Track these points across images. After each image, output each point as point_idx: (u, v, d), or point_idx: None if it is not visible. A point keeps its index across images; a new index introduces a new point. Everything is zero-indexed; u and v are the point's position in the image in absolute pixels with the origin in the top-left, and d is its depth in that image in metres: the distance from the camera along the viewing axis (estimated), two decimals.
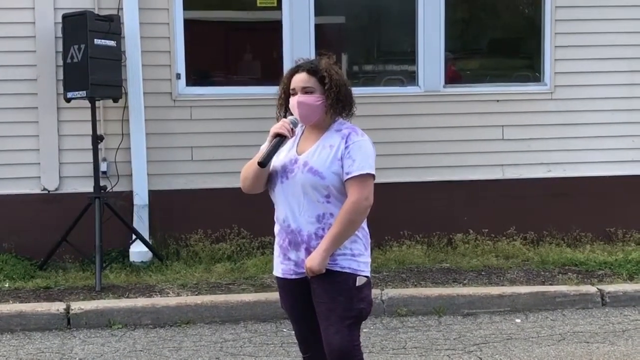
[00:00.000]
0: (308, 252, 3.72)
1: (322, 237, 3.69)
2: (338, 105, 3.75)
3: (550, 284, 6.83)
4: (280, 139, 3.72)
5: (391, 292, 6.50)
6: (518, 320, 6.28)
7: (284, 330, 5.98)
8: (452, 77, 8.28)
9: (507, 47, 8.79)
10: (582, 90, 8.18)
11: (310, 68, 3.75)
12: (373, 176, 3.72)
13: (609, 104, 8.22)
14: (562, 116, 8.17)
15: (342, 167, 3.69)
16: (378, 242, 7.57)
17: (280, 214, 3.80)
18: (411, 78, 8.19)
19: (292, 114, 3.79)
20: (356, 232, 3.74)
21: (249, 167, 3.78)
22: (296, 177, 3.72)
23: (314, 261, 3.66)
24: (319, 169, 3.69)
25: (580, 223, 8.08)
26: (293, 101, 3.75)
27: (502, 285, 6.79)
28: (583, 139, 8.19)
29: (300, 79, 3.75)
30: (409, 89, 8.12)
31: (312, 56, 6.92)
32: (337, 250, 3.70)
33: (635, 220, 8.15)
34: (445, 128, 8.03)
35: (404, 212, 7.79)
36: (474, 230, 7.93)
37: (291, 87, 3.77)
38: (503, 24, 8.89)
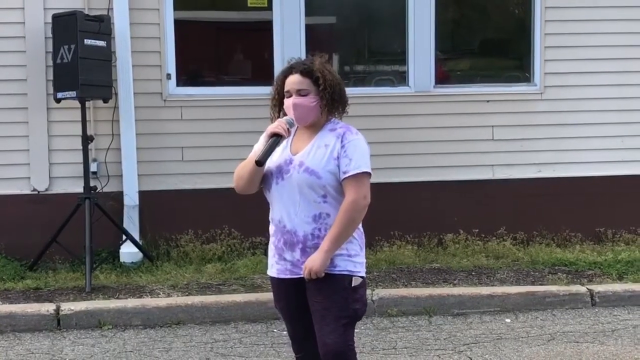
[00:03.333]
0: (304, 251, 3.72)
1: (318, 236, 3.70)
2: (333, 105, 3.77)
3: (540, 284, 6.85)
4: (277, 138, 3.72)
5: (382, 292, 6.51)
6: (508, 320, 6.30)
7: (275, 330, 5.98)
8: (443, 78, 8.30)
9: (497, 48, 8.81)
10: (572, 90, 8.21)
11: (304, 69, 3.76)
12: (369, 174, 3.74)
13: (599, 105, 8.24)
14: (552, 116, 8.20)
15: (339, 166, 3.70)
16: (369, 242, 7.42)
17: (275, 214, 3.80)
18: (402, 78, 8.20)
19: (286, 114, 3.80)
20: None
21: (244, 167, 3.78)
22: (292, 178, 3.72)
23: (315, 262, 3.66)
24: (315, 168, 3.69)
25: (570, 223, 8.10)
26: (288, 103, 3.76)
27: (492, 286, 6.80)
28: (573, 139, 8.22)
29: (294, 81, 3.75)
30: (400, 89, 8.14)
31: (303, 56, 6.92)
32: (337, 249, 3.70)
33: (624, 221, 8.18)
34: (436, 128, 8.04)
35: (394, 213, 7.79)
36: (464, 231, 7.94)
37: (285, 88, 3.78)
38: (493, 25, 8.90)
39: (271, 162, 3.76)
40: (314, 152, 3.73)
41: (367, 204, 3.72)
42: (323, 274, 3.68)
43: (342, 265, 3.73)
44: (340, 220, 3.67)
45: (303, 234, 3.72)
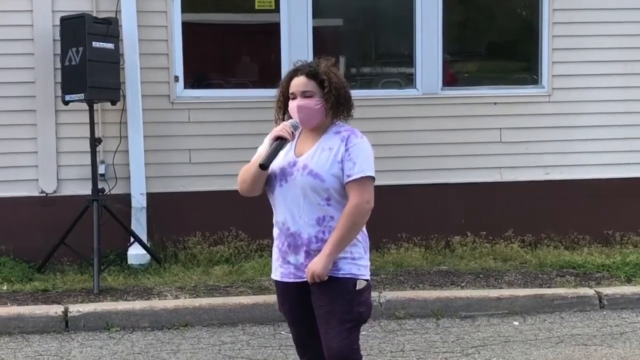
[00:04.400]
0: (308, 254, 3.72)
1: (322, 239, 3.69)
2: (338, 108, 3.76)
3: (548, 287, 6.83)
4: (281, 142, 3.71)
5: (389, 294, 6.50)
6: (516, 323, 6.28)
7: (282, 332, 5.98)
8: (450, 80, 8.29)
9: (504, 50, 8.80)
10: (579, 92, 8.20)
11: (310, 71, 3.75)
12: (373, 178, 3.73)
13: (607, 107, 8.23)
14: (560, 119, 8.18)
15: (343, 169, 3.69)
16: (376, 244, 7.56)
17: (279, 217, 3.79)
18: (409, 80, 8.20)
19: (291, 117, 3.79)
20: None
21: (248, 170, 3.78)
22: (296, 180, 3.71)
23: (317, 265, 3.65)
24: (319, 171, 3.69)
25: (578, 226, 8.08)
26: (293, 105, 3.75)
27: (500, 288, 6.79)
28: (580, 141, 8.20)
29: (299, 83, 3.75)
30: (407, 92, 8.13)
31: (310, 58, 6.92)
32: (339, 253, 3.70)
33: (632, 223, 8.16)
34: (443, 131, 8.03)
35: (401, 215, 7.80)
36: (471, 233, 7.93)
37: (290, 90, 3.77)
38: (500, 27, 8.90)
39: (275, 165, 3.74)
40: (318, 155, 3.72)
41: (370, 208, 3.70)
42: (326, 277, 3.67)
43: (347, 269, 3.72)
44: (343, 224, 3.66)
45: (307, 237, 3.72)
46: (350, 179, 3.68)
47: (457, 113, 8.06)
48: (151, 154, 7.64)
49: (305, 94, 3.73)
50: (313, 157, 3.72)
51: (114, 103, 7.33)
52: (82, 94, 6.99)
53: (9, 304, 6.34)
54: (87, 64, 6.95)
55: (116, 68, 7.28)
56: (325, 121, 3.78)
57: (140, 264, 7.31)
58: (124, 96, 7.47)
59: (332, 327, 3.72)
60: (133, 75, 7.50)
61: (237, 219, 7.57)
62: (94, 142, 7.13)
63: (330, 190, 3.69)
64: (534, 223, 8.04)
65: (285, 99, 3.82)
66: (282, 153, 3.76)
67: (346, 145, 3.70)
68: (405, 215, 7.84)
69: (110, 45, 7.15)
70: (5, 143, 7.47)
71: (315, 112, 3.74)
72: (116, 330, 6.06)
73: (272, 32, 7.91)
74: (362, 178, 3.68)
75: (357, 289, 3.74)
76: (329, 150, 3.72)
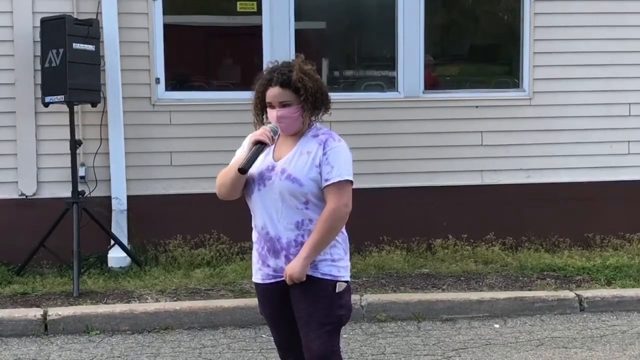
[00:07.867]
0: (287, 259, 3.71)
1: (301, 243, 3.68)
2: (315, 111, 3.77)
3: (529, 290, 6.85)
4: (260, 146, 3.70)
5: (370, 297, 6.50)
6: (497, 326, 6.30)
7: (263, 336, 5.96)
8: (432, 83, 8.31)
9: (486, 53, 8.84)
10: (560, 96, 8.23)
11: (283, 81, 3.71)
12: (351, 182, 3.72)
13: (587, 110, 8.27)
14: (541, 122, 8.22)
15: (320, 173, 3.68)
16: (357, 247, 7.57)
17: (258, 221, 3.78)
18: (391, 84, 8.21)
19: (270, 120, 3.78)
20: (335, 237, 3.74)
21: (227, 174, 3.76)
22: (274, 185, 3.70)
23: (294, 269, 3.65)
24: (297, 176, 3.68)
25: (559, 228, 8.12)
26: (272, 115, 3.75)
27: (481, 291, 6.80)
28: (562, 144, 8.24)
29: (275, 94, 3.72)
30: (389, 95, 8.14)
31: None
32: (317, 256, 3.69)
33: (613, 226, 8.20)
34: (425, 134, 8.05)
35: (383, 218, 7.80)
36: (453, 236, 7.95)
37: (267, 100, 3.75)
38: (482, 31, 8.93)
39: (253, 169, 3.73)
40: (296, 159, 3.71)
41: (348, 212, 3.69)
42: (304, 279, 3.66)
43: (326, 270, 3.72)
44: (320, 228, 3.64)
45: (286, 241, 3.71)
46: (328, 182, 3.67)
47: (438, 116, 8.07)
48: (132, 156, 7.60)
49: (283, 104, 3.72)
50: (291, 161, 3.71)
51: (94, 105, 7.29)
52: (63, 96, 6.95)
53: None
54: (68, 65, 6.91)
55: (97, 70, 7.25)
56: (303, 125, 3.77)
57: (120, 267, 7.28)
58: (105, 98, 7.43)
59: (312, 330, 3.71)
60: (114, 77, 7.47)
61: (218, 222, 7.54)
62: (74, 144, 7.09)
63: (309, 194, 3.68)
64: (515, 226, 8.07)
65: (262, 106, 3.80)
66: (260, 157, 3.74)
67: (324, 149, 3.70)
68: (387, 218, 7.85)
69: (90, 47, 7.12)
70: None
71: (295, 120, 3.74)
72: (96, 334, 6.03)
73: (254, 34, 7.90)
74: (340, 182, 3.67)
75: (337, 291, 3.73)
76: (307, 154, 3.71)
